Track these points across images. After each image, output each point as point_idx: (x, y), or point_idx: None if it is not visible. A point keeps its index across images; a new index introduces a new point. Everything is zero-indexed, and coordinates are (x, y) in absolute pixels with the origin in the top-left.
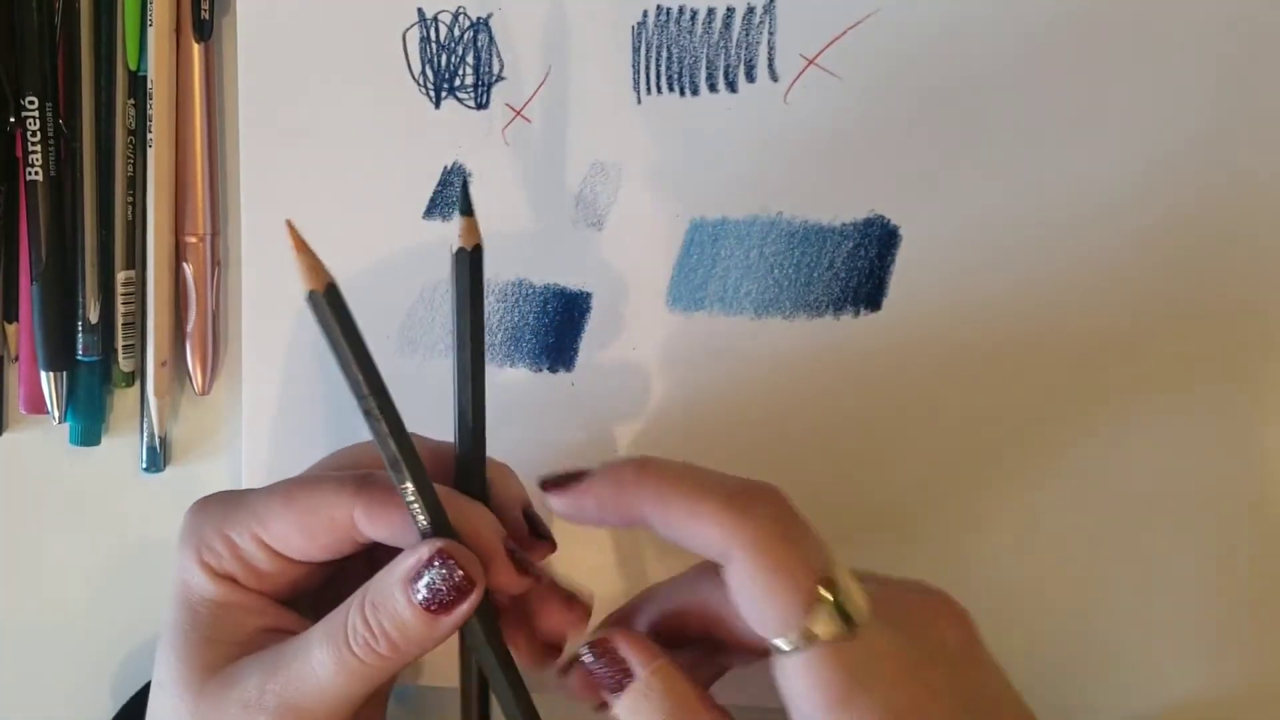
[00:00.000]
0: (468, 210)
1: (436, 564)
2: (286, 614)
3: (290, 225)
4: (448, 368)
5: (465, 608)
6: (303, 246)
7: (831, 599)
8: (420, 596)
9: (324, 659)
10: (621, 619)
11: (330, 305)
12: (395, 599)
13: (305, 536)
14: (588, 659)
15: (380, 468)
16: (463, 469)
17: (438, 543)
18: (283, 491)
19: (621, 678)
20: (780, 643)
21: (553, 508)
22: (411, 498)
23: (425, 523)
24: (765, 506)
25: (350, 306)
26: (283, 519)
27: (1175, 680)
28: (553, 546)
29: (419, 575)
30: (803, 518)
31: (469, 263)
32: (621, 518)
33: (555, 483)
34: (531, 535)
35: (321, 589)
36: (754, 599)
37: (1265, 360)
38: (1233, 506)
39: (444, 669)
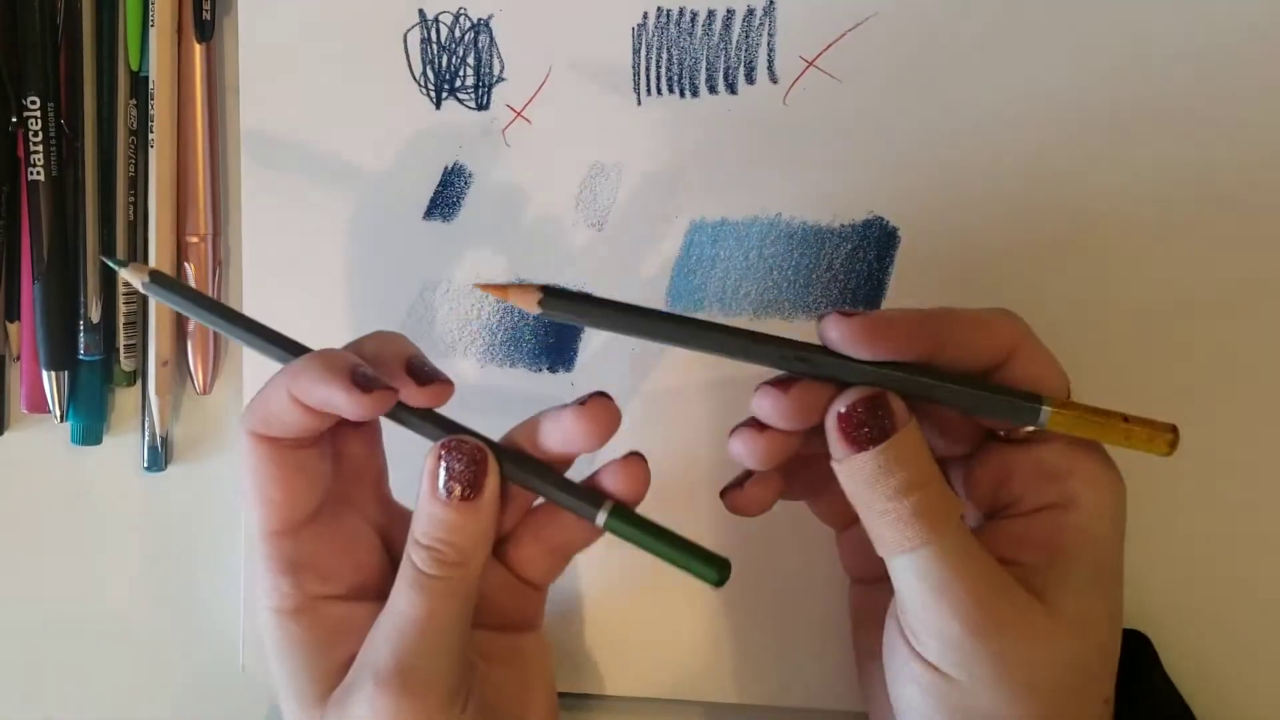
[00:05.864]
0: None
1: (443, 456)
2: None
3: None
4: (448, 367)
5: (490, 481)
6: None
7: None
8: (452, 493)
9: (409, 597)
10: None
11: None
12: (434, 510)
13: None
14: (860, 407)
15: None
16: None
17: (437, 445)
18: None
19: (884, 428)
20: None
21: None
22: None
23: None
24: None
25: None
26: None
27: None
28: (448, 383)
29: (437, 476)
30: None
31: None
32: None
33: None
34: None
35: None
36: (1042, 371)
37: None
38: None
39: None
